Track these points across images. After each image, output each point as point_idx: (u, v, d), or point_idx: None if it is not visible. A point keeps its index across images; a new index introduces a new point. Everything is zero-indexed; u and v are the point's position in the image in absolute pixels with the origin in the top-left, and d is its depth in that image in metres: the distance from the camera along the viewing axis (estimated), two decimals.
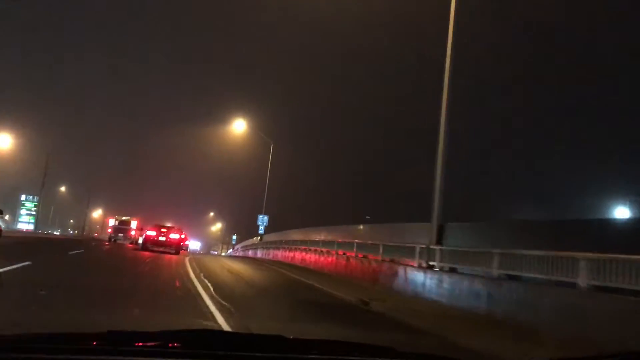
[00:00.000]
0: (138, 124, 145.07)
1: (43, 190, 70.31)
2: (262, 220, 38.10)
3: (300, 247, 25.34)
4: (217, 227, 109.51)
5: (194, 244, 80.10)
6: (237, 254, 52.48)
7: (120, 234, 39.24)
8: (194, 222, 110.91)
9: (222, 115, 68.50)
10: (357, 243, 19.04)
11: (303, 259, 23.31)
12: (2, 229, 15.15)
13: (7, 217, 57.93)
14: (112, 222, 43.63)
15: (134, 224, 41.24)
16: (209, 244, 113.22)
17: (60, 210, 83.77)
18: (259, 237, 38.73)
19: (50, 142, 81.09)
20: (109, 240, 38.20)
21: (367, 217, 35.06)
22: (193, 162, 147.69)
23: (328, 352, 1.87)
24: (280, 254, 28.20)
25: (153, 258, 21.47)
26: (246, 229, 70.68)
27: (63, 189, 73.19)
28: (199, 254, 52.42)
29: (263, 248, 35.33)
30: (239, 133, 38.51)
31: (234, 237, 68.75)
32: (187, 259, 20.63)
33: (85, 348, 1.64)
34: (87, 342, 1.69)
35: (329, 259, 20.39)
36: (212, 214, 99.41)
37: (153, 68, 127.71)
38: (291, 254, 26.08)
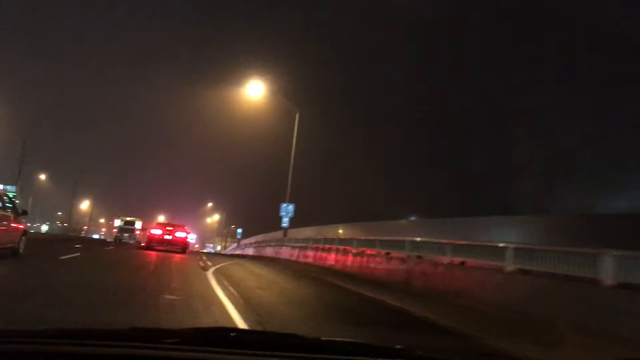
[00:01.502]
0: (127, 94, 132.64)
1: (20, 179, 62.09)
2: (287, 210, 30.23)
3: (358, 249, 17.62)
4: (213, 218, 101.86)
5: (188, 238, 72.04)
6: (247, 252, 44.53)
7: (125, 234, 39.62)
8: (189, 213, 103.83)
9: (232, 75, 60.38)
10: (453, 244, 12.27)
11: (367, 267, 15.48)
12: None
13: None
14: (117, 222, 46.24)
15: (138, 224, 42.73)
16: (204, 237, 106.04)
17: (41, 201, 74.91)
18: (283, 232, 30.84)
19: (29, 125, 72.56)
20: (115, 240, 38.30)
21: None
22: (191, 140, 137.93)
23: (342, 352, 1.88)
24: (326, 258, 20.26)
25: (159, 264, 14.49)
26: (256, 222, 63.60)
27: (43, 177, 64.64)
28: (198, 251, 44.74)
29: (292, 247, 27.32)
30: (254, 99, 30.56)
31: (239, 230, 60.94)
32: (209, 273, 12.66)
33: (106, 344, 1.64)
34: (110, 338, 1.71)
35: (422, 268, 12.63)
36: (210, 204, 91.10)
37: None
38: (343, 259, 18.22)
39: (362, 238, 18.10)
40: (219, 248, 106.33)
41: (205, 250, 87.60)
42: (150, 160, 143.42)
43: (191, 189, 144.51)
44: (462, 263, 11.40)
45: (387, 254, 14.93)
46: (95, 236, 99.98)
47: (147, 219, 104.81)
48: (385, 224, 29.66)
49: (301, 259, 23.65)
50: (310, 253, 22.48)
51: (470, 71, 76.50)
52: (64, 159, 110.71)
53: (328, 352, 1.87)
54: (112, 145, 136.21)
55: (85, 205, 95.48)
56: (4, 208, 11.27)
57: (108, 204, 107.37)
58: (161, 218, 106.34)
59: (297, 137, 30.42)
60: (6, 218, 11.19)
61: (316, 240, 23.60)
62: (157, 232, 24.13)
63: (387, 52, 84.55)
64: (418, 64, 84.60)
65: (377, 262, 14.86)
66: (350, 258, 16.96)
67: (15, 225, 11.87)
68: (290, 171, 30.34)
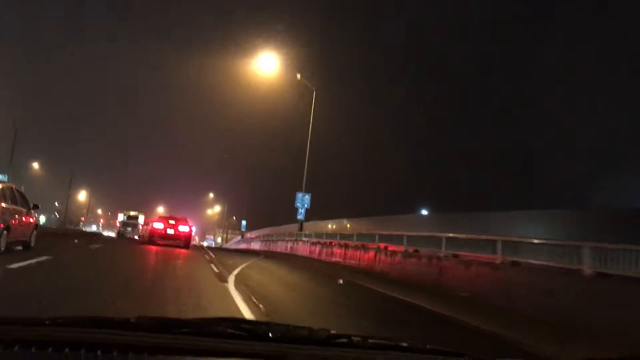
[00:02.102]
0: (127, 78, 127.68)
1: (11, 167, 59.05)
2: (303, 200, 27.17)
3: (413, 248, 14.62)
4: (214, 210, 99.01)
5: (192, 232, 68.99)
6: (253, 247, 41.44)
7: (128, 228, 40.34)
8: (189, 203, 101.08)
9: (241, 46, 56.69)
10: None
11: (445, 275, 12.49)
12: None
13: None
14: (121, 217, 46.20)
15: (141, 218, 43.14)
16: (204, 228, 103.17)
17: (36, 191, 71.48)
18: (298, 226, 27.74)
19: (22, 110, 68.98)
20: (118, 234, 39.34)
21: None
22: (193, 128, 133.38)
23: (353, 346, 1.85)
24: (361, 257, 17.19)
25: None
26: (262, 214, 60.62)
27: (36, 165, 61.33)
28: (201, 246, 41.66)
29: (311, 242, 24.23)
30: (266, 76, 27.39)
31: (244, 222, 57.86)
32: (231, 287, 9.25)
33: (114, 333, 1.60)
34: (116, 327, 1.68)
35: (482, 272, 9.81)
36: (211, 195, 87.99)
37: None
38: (389, 260, 15.18)
39: (417, 234, 14.91)
40: (219, 240, 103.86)
41: (205, 243, 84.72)
42: (150, 149, 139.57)
43: (192, 179, 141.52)
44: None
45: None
46: (94, 228, 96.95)
47: (146, 209, 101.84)
48: (419, 218, 26.52)
49: (325, 257, 20.61)
50: (338, 251, 19.41)
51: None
52: (59, 147, 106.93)
53: (340, 345, 1.84)
54: (111, 133, 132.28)
55: (82, 196, 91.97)
56: (17, 202, 11.33)
57: (105, 194, 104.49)
58: (160, 209, 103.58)
59: (314, 118, 27.31)
60: (19, 212, 11.30)
61: (345, 236, 20.48)
62: (159, 226, 23.16)
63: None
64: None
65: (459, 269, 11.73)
66: (399, 259, 13.93)
67: (27, 219, 11.95)
68: (307, 156, 27.28)
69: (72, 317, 1.70)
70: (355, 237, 18.30)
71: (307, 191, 27.33)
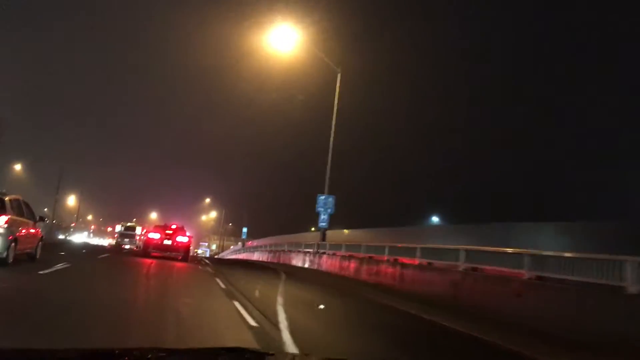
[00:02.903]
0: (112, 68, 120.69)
1: None
2: (325, 203, 22.63)
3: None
4: (210, 216, 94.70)
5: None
6: (259, 258, 36.73)
7: (126, 239, 41.18)
8: (183, 209, 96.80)
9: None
10: None
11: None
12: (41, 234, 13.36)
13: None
14: (118, 227, 50.35)
15: (138, 229, 44.52)
16: (199, 235, 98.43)
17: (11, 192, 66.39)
18: (320, 235, 23.15)
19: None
20: (116, 245, 40.17)
21: None
22: (188, 125, 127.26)
23: None
24: (432, 281, 12.64)
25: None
26: (267, 220, 55.84)
27: (18, 167, 56.27)
28: (201, 258, 37.34)
29: (340, 257, 19.64)
30: (283, 56, 23.00)
31: (245, 230, 53.21)
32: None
33: None
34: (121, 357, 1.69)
35: None
36: (207, 200, 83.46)
37: None
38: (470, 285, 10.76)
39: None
40: (214, 247, 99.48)
41: (200, 251, 79.96)
42: (141, 150, 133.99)
43: (187, 183, 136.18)
44: None
45: None
46: (85, 235, 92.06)
47: (139, 215, 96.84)
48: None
49: (367, 277, 16.03)
50: (387, 270, 14.84)
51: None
52: (42, 149, 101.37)
53: None
54: (99, 133, 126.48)
55: (71, 200, 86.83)
56: (23, 214, 11.54)
57: (95, 199, 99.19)
58: (154, 215, 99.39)
59: (338, 104, 22.85)
60: (26, 224, 11.58)
61: (394, 250, 15.88)
62: (155, 236, 21.13)
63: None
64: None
65: None
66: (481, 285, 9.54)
67: (33, 231, 12.28)
68: (331, 147, 22.76)
69: (72, 349, 1.76)
70: (419, 252, 13.69)
71: (327, 193, 22.79)
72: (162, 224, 25.45)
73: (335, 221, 25.38)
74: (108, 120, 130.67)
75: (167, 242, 20.59)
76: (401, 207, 52.66)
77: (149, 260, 17.60)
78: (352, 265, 17.68)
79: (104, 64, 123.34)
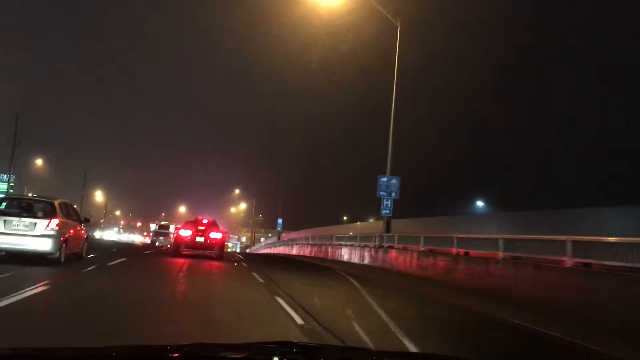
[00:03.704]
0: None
1: (12, 164, 52.31)
2: (388, 186, 18.53)
3: None
4: (239, 208, 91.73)
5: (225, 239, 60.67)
6: (299, 252, 32.70)
7: (160, 237, 42.95)
8: (212, 201, 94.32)
9: None
10: None
11: None
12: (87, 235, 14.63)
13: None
14: (153, 227, 56.24)
15: (172, 228, 46.15)
16: (227, 228, 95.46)
17: (38, 190, 63.79)
18: (384, 224, 19.02)
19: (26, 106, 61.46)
20: (151, 243, 41.94)
21: None
22: (218, 109, 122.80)
23: None
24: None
25: None
26: (304, 212, 52.27)
27: (40, 162, 53.59)
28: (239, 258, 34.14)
29: (418, 253, 15.37)
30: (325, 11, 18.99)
31: (280, 221, 49.38)
32: None
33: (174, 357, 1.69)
34: (173, 353, 1.72)
35: None
36: (237, 191, 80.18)
37: None
38: None
39: None
40: (243, 240, 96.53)
41: (230, 244, 76.79)
42: (168, 141, 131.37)
43: (215, 174, 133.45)
44: None
45: None
46: (115, 231, 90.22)
47: (167, 209, 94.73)
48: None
49: (467, 282, 11.80)
50: (515, 273, 10.64)
51: None
52: (64, 143, 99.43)
53: None
54: (123, 125, 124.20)
55: (98, 196, 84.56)
56: (71, 217, 12.30)
57: (122, 194, 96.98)
58: (182, 209, 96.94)
59: (398, 63, 18.65)
60: (74, 226, 12.31)
61: (513, 243, 11.60)
62: (186, 233, 19.56)
63: None
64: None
65: None
66: None
67: (80, 232, 13.03)
68: (393, 116, 18.58)
69: (126, 346, 1.80)
70: (569, 247, 9.38)
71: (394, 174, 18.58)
72: (192, 218, 22.54)
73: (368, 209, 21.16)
74: (136, 118, 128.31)
75: (200, 239, 18.92)
76: (447, 193, 47.92)
77: (180, 260, 15.58)
78: (441, 264, 13.47)
79: (126, 51, 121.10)
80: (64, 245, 10.98)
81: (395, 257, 16.64)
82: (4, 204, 11.35)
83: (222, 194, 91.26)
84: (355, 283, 11.85)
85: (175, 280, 10.37)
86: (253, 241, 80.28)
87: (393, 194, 18.63)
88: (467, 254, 12.82)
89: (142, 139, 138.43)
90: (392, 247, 17.47)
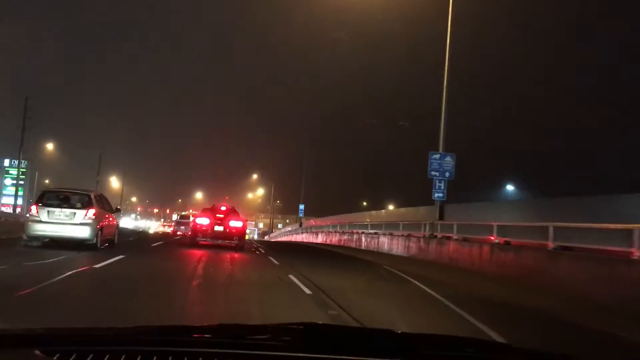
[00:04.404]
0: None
1: (23, 149, 50.45)
2: (442, 165, 15.63)
3: None
4: (257, 194, 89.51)
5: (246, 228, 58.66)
6: (324, 240, 29.83)
7: (182, 227, 41.73)
8: (228, 187, 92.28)
9: None
10: None
11: None
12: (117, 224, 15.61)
13: None
14: (175, 216, 59.50)
15: (191, 218, 49.30)
16: (246, 214, 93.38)
17: (49, 176, 61.81)
18: (437, 210, 16.14)
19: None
20: (174, 232, 42.01)
21: None
22: (236, 90, 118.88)
23: (438, 347, 1.80)
24: None
25: None
26: (322, 198, 49.54)
27: (50, 146, 51.47)
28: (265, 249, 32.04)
29: (486, 244, 12.30)
30: None
31: (302, 207, 46.66)
32: None
33: (197, 340, 1.68)
34: (198, 334, 1.73)
35: None
36: (255, 176, 77.82)
37: None
38: None
39: None
40: (260, 225, 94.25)
41: (248, 231, 74.52)
42: (184, 127, 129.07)
43: (233, 158, 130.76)
44: None
45: None
46: (132, 217, 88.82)
47: (183, 195, 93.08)
48: None
49: (583, 287, 8.86)
50: None
51: None
52: (75, 127, 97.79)
53: (427, 347, 1.74)
54: (136, 110, 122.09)
55: (113, 183, 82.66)
56: (104, 207, 13.44)
57: (138, 180, 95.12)
58: (199, 195, 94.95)
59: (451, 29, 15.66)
60: (107, 215, 13.36)
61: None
62: (203, 221, 18.17)
63: None
64: None
65: None
66: None
67: (112, 220, 14.10)
68: (445, 84, 15.68)
69: (153, 326, 1.77)
70: None
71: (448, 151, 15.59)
72: (210, 205, 21.26)
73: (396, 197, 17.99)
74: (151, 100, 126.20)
75: (219, 228, 17.55)
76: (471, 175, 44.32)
77: (198, 252, 14.18)
78: (528, 260, 10.52)
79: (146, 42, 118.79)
80: (99, 232, 12.16)
81: (456, 250, 13.74)
82: (47, 196, 12.56)
83: (240, 179, 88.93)
84: (418, 285, 8.92)
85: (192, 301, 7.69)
86: (271, 228, 77.97)
87: (447, 174, 15.70)
88: (567, 248, 9.87)
89: (159, 123, 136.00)
90: (447, 238, 14.57)
